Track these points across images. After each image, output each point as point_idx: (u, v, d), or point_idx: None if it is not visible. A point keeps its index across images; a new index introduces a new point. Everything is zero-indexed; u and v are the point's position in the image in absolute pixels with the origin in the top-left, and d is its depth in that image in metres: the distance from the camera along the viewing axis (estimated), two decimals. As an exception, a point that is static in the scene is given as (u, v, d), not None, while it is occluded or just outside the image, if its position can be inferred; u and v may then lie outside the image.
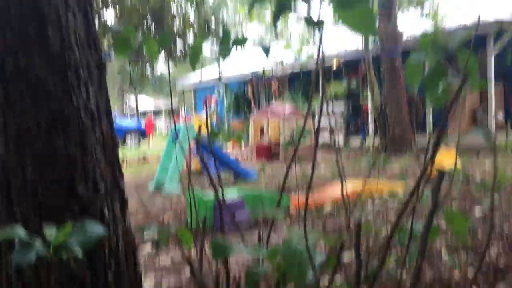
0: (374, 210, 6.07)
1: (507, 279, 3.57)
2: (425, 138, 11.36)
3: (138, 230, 5.24)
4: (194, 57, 1.35)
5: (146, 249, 4.97)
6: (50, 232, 0.73)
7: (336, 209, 6.18)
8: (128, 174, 11.66)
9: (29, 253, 0.68)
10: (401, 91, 10.93)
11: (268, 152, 11.99)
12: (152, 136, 22.85)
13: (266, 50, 1.41)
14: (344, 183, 1.43)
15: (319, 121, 1.01)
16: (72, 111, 1.12)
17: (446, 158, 7.37)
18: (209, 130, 1.34)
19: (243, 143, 14.39)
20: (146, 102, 40.28)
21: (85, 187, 1.13)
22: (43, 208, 1.08)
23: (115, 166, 1.24)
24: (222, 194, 1.15)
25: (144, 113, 38.36)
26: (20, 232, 0.70)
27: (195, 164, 10.09)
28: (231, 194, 5.85)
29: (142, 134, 21.01)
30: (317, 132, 0.98)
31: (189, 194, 1.42)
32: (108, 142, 1.22)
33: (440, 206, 1.16)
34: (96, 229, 0.72)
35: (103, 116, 1.21)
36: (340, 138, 13.72)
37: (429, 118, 11.93)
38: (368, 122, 13.76)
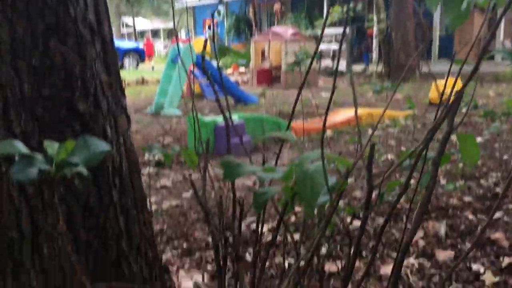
0: (374, 136, 6.08)
1: (504, 207, 3.63)
2: (429, 65, 11.17)
3: (139, 152, 5.27)
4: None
5: (146, 170, 5.03)
6: (52, 148, 0.69)
7: (336, 135, 6.21)
8: (127, 96, 11.59)
9: (31, 169, 0.64)
10: (408, 15, 10.56)
11: (269, 76, 11.84)
12: (152, 57, 22.39)
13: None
14: (348, 109, 1.37)
15: (340, 43, 0.94)
16: (69, 22, 1.04)
17: (449, 86, 7.29)
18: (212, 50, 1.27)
19: (243, 67, 14.16)
20: (144, 23, 39.19)
21: (86, 103, 1.08)
22: (43, 125, 1.04)
23: (116, 82, 1.18)
24: (230, 115, 1.11)
25: (142, 33, 37.40)
26: (20, 146, 0.66)
27: (195, 87, 9.98)
28: (233, 117, 5.82)
29: (140, 55, 20.54)
30: (338, 55, 0.91)
31: (191, 116, 1.38)
32: (108, 56, 1.15)
33: (455, 129, 1.12)
34: (100, 145, 0.68)
35: (103, 29, 1.13)
36: (342, 63, 13.46)
37: (436, 45, 11.67)
38: (372, 47, 13.47)
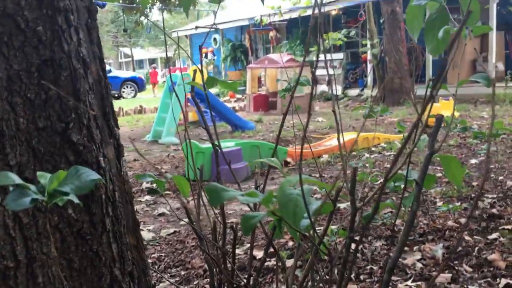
0: (370, 159, 6.12)
1: (500, 228, 3.65)
2: (424, 89, 11.26)
3: (136, 180, 5.30)
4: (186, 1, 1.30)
5: (145, 197, 5.05)
6: (44, 178, 0.72)
7: (333, 159, 6.24)
8: (125, 124, 11.68)
9: (24, 198, 0.68)
10: (401, 40, 10.76)
11: (265, 103, 11.95)
12: (156, 85, 22.59)
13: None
14: (341, 133, 1.41)
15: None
16: (62, 57, 1.09)
17: (444, 109, 7.38)
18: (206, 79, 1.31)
19: (240, 94, 14.30)
20: (141, 53, 39.73)
21: (80, 135, 1.12)
22: (38, 157, 1.08)
23: (109, 113, 1.22)
24: (218, 143, 1.15)
25: (140, 62, 37.87)
26: (14, 177, 0.70)
27: (192, 115, 10.07)
28: (229, 144, 5.87)
29: (138, 84, 20.72)
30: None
31: (186, 144, 1.41)
32: (101, 89, 1.20)
33: (437, 151, 1.16)
34: (90, 175, 0.71)
35: (96, 62, 1.18)
36: (338, 88, 13.60)
37: (429, 69, 11.83)
38: (367, 72, 13.64)
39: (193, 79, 1.16)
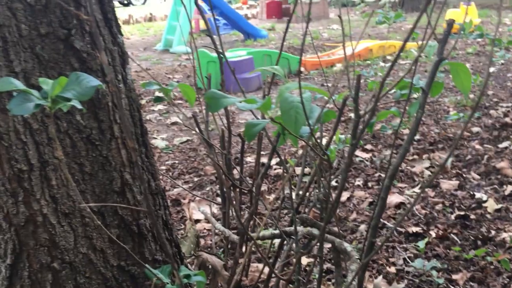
0: (385, 68, 6.01)
1: (511, 137, 3.64)
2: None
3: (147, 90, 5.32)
4: None
5: (158, 107, 5.10)
6: (46, 84, 0.73)
7: (347, 68, 6.16)
8: (136, 33, 11.47)
9: (27, 103, 0.69)
10: None
11: (279, 9, 11.55)
12: None
13: None
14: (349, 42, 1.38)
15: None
16: (60, -41, 1.05)
17: (464, 14, 7.07)
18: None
19: (253, 1, 13.80)
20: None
21: (83, 41, 1.11)
22: (43, 63, 1.08)
23: (111, 19, 1.20)
24: (222, 51, 1.13)
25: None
26: (16, 83, 0.71)
27: (203, 23, 9.81)
28: (241, 53, 5.77)
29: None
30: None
31: (198, 52, 1.40)
32: (103, -6, 1.17)
33: (445, 58, 1.13)
34: (91, 81, 0.72)
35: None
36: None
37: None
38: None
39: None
